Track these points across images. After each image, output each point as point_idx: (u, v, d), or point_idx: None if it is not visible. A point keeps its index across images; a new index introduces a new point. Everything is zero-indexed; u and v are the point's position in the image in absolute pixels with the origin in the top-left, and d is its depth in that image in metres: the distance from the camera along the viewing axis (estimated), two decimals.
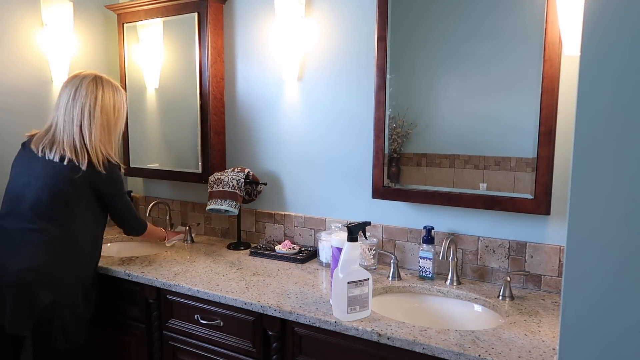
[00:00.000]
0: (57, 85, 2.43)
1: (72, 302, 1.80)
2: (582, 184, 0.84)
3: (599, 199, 0.83)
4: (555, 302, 1.60)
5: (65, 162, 1.79)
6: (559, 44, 1.55)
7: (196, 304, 1.79)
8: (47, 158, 1.80)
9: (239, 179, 2.18)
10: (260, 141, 2.32)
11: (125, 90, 2.52)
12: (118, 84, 1.94)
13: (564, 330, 0.89)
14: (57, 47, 2.36)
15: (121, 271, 1.95)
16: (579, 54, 0.84)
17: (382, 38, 1.86)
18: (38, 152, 1.82)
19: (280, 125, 2.25)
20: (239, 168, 2.25)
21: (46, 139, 1.84)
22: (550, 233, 1.69)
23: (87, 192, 1.83)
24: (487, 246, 1.80)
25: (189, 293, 1.78)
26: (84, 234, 1.85)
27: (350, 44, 2.02)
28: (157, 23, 2.41)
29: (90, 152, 1.81)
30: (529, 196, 1.65)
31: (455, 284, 1.75)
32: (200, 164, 2.36)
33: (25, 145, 1.91)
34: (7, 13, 2.21)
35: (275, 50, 2.20)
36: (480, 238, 1.81)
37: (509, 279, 1.64)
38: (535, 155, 1.62)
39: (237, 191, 2.17)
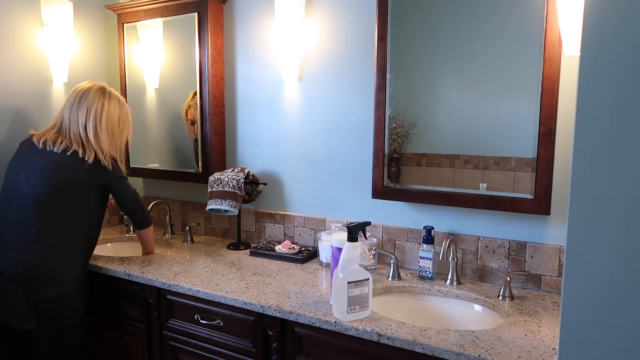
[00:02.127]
0: (57, 85, 2.43)
1: (73, 295, 1.83)
2: (582, 184, 0.84)
3: (599, 199, 0.83)
4: (555, 302, 1.60)
5: (68, 154, 1.85)
6: (559, 44, 1.55)
7: (196, 304, 1.79)
8: (48, 149, 1.85)
9: (239, 179, 2.18)
10: (260, 141, 2.32)
11: (126, 90, 2.55)
12: (124, 99, 2.06)
13: (564, 330, 0.89)
14: (57, 47, 2.36)
15: (121, 271, 1.95)
16: (579, 54, 0.84)
17: (382, 38, 1.86)
18: (39, 144, 1.87)
19: (280, 125, 2.25)
20: (239, 168, 2.25)
21: (49, 133, 1.90)
22: (550, 233, 1.69)
23: (88, 185, 1.87)
24: (487, 246, 1.80)
25: (189, 293, 1.78)
26: (81, 228, 1.88)
27: (350, 44, 2.02)
28: (157, 23, 2.41)
29: (96, 149, 1.88)
30: (529, 196, 1.65)
31: (455, 284, 1.75)
32: (200, 164, 2.37)
33: (24, 143, 1.93)
34: (7, 13, 2.21)
35: (275, 50, 2.20)
36: (480, 238, 1.81)
37: (509, 279, 1.64)
38: (536, 155, 1.62)
39: (237, 191, 2.16)
